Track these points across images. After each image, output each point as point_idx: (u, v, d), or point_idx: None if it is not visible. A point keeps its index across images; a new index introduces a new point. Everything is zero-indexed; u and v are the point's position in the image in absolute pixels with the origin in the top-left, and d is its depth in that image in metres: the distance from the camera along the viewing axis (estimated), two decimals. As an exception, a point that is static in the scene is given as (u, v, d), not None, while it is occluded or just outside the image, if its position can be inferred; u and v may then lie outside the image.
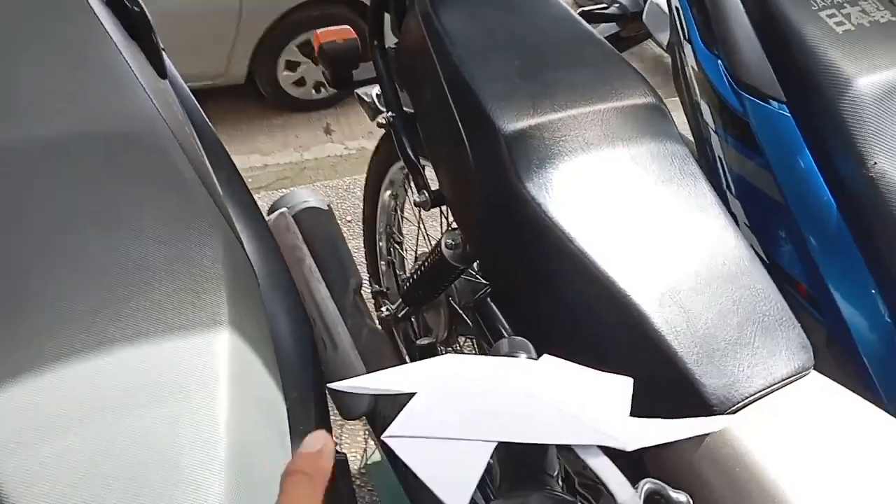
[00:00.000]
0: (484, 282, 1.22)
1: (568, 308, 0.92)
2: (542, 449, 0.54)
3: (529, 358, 0.63)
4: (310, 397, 0.74)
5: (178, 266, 0.67)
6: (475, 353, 1.41)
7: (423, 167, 1.24)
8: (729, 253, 0.92)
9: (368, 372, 0.95)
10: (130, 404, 0.57)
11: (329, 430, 0.75)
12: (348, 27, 1.32)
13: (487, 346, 1.06)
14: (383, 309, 1.50)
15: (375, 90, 1.47)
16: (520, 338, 0.65)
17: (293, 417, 0.67)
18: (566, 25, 1.20)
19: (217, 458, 0.56)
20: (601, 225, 0.91)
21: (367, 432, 1.67)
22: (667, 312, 0.84)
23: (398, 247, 1.71)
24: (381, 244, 1.72)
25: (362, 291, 1.17)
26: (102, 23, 0.90)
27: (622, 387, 0.60)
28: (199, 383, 0.60)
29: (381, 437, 0.50)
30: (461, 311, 1.33)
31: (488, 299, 1.06)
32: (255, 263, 0.78)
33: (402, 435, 0.50)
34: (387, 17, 1.34)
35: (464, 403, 0.54)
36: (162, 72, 1.00)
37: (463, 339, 1.41)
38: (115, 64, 0.85)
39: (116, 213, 0.70)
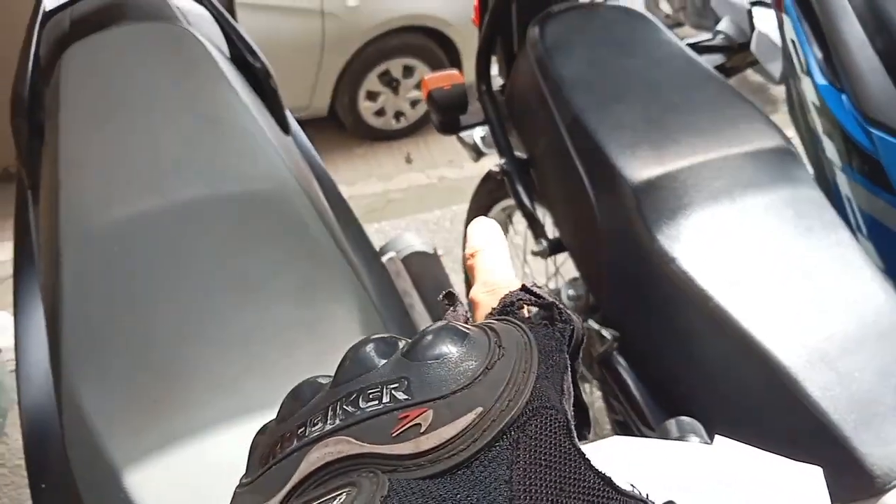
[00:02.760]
0: (599, 330, 1.19)
1: (708, 368, 0.88)
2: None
3: (703, 442, 0.60)
4: None
5: (316, 328, 0.68)
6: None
7: (537, 214, 1.22)
8: (880, 308, 0.87)
9: None
10: None
11: None
12: (456, 72, 1.31)
13: (613, 399, 1.02)
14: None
15: (478, 133, 1.46)
16: (689, 419, 0.62)
17: None
18: (683, 64, 1.17)
19: None
20: (740, 279, 0.87)
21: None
22: (818, 374, 0.80)
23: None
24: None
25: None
26: (231, 82, 0.92)
27: (812, 477, 0.56)
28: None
29: None
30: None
31: (615, 353, 1.03)
32: (382, 313, 0.78)
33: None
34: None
35: (644, 488, 0.51)
36: (285, 127, 1.02)
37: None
38: (246, 124, 0.87)
39: (255, 278, 0.71)
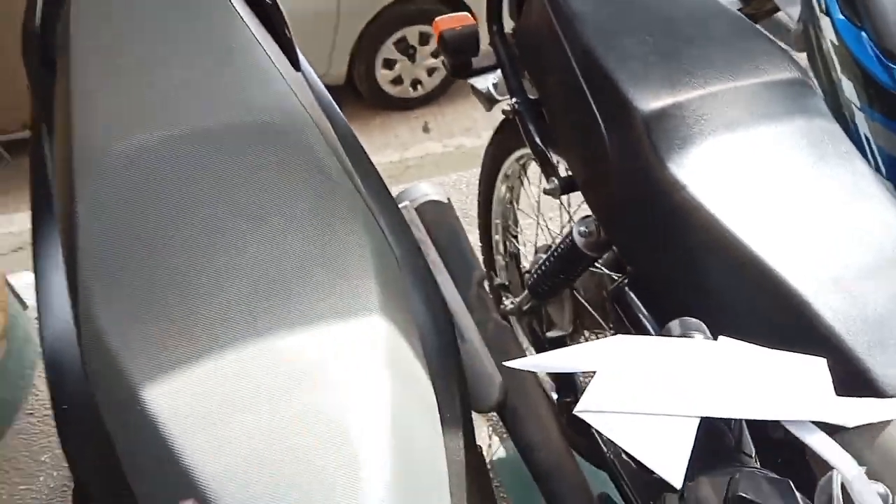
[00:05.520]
0: (609, 273, 1.18)
1: (722, 295, 0.87)
2: (738, 428, 0.51)
3: (706, 339, 0.60)
4: (453, 385, 0.74)
5: (328, 254, 0.69)
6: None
7: (550, 154, 1.21)
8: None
9: (497, 363, 0.94)
10: (299, 387, 0.60)
11: (470, 419, 0.75)
12: (467, 14, 1.30)
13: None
14: (507, 302, 1.49)
15: (490, 80, 1.45)
16: (693, 319, 0.62)
17: (440, 404, 0.68)
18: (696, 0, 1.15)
19: (381, 442, 0.57)
20: (754, 207, 0.87)
21: (490, 428, 1.65)
22: (833, 298, 0.79)
23: (514, 240, 1.69)
24: (496, 237, 1.70)
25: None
26: (243, 17, 0.92)
27: (818, 367, 0.56)
28: (359, 369, 0.62)
29: (574, 412, 0.49)
30: (587, 304, 1.29)
31: (626, 288, 1.02)
32: (395, 249, 0.78)
33: (595, 410, 0.49)
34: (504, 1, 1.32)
35: (652, 381, 0.52)
36: (296, 64, 1.02)
37: (588, 332, 1.38)
38: (257, 57, 0.87)
39: (267, 207, 0.72)
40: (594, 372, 0.55)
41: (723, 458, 0.50)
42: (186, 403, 0.58)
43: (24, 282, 2.02)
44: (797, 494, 0.44)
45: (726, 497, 0.44)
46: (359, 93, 3.46)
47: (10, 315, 1.78)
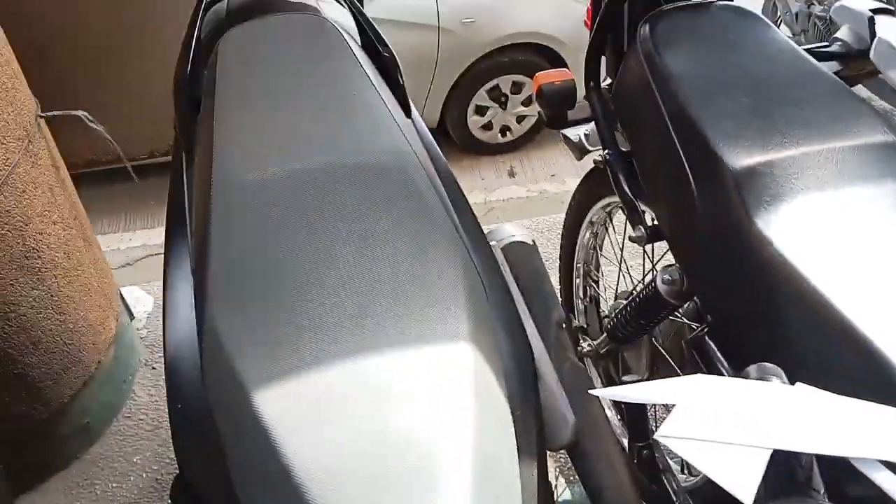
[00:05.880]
0: (688, 323, 1.20)
1: (802, 348, 0.88)
2: (809, 465, 0.54)
3: (783, 383, 0.63)
4: (530, 419, 0.77)
5: (425, 282, 0.75)
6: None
7: (638, 203, 1.25)
8: None
9: (571, 402, 0.96)
10: (391, 401, 0.64)
11: (545, 454, 0.77)
12: (566, 70, 1.37)
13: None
14: (584, 345, 1.51)
15: (582, 131, 1.51)
16: (770, 364, 0.64)
17: (517, 435, 0.70)
18: (792, 61, 1.17)
19: (462, 463, 0.60)
20: (839, 266, 0.88)
21: (557, 469, 1.67)
22: None
23: (595, 285, 1.72)
24: (577, 281, 1.73)
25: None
26: (362, 67, 1.02)
27: (892, 415, 0.58)
28: (444, 390, 0.66)
29: (654, 437, 0.53)
30: (664, 351, 1.31)
31: (706, 337, 1.04)
32: (484, 282, 0.83)
33: (674, 435, 0.52)
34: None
35: (728, 416, 0.55)
36: (407, 111, 1.10)
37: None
38: (374, 104, 0.97)
39: (374, 237, 0.79)
40: (665, 418, 0.58)
41: (792, 490, 0.53)
42: (290, 408, 0.64)
43: (133, 296, 2.18)
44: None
45: (794, 525, 0.47)
46: (450, 136, 3.57)
47: (120, 324, 1.92)
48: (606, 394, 0.63)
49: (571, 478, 1.64)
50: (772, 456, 0.51)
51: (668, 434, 0.53)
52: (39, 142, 1.61)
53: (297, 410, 0.64)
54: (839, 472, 0.52)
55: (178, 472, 0.76)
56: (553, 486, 1.66)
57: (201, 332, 0.73)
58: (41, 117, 1.65)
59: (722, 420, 0.55)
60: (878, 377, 0.79)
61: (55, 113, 1.67)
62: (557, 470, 1.66)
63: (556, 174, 3.39)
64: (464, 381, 0.67)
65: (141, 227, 2.86)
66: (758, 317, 0.95)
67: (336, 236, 0.78)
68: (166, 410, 1.93)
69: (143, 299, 2.19)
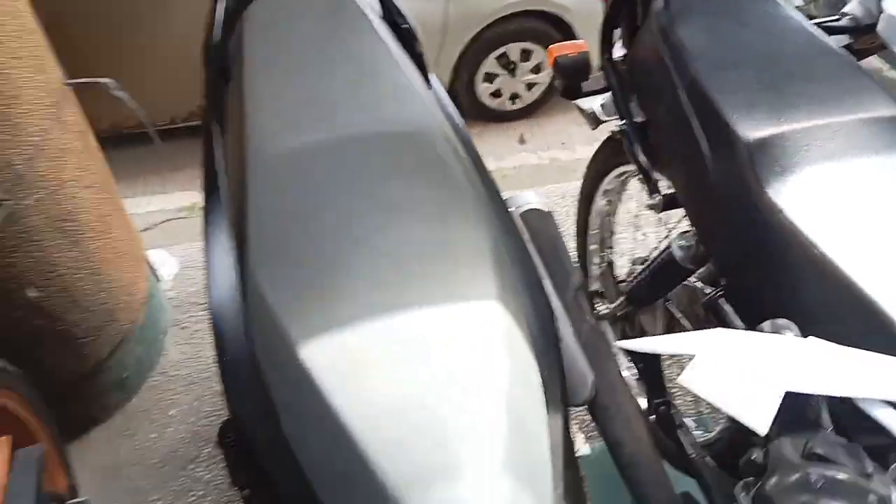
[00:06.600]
0: (702, 287, 1.26)
1: (812, 306, 0.94)
2: (818, 404, 0.60)
3: (796, 336, 0.69)
4: (554, 373, 0.81)
5: (450, 246, 0.80)
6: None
7: (653, 172, 1.31)
8: None
9: (590, 361, 1.02)
10: (429, 352, 0.69)
11: (567, 411, 0.82)
12: (582, 42, 1.41)
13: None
14: (601, 307, 1.58)
15: (597, 102, 1.55)
16: (784, 320, 0.71)
17: (544, 388, 0.75)
18: (802, 36, 1.22)
19: (498, 411, 0.65)
20: (846, 231, 0.93)
21: (576, 426, 1.74)
22: None
23: (609, 250, 1.78)
24: (592, 247, 1.80)
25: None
26: (383, 38, 1.07)
27: (890, 363, 0.64)
28: (480, 344, 0.70)
29: (677, 380, 0.60)
30: (679, 315, 1.37)
31: (720, 300, 1.11)
32: (506, 246, 0.87)
33: (696, 378, 0.60)
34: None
35: (746, 363, 0.62)
36: (428, 81, 1.16)
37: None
38: (396, 75, 1.02)
39: (403, 201, 0.84)
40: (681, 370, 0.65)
41: (803, 426, 0.60)
42: (333, 357, 0.68)
43: (158, 258, 2.25)
44: (866, 457, 0.53)
45: (803, 454, 0.54)
46: (459, 103, 3.60)
47: (149, 285, 1.99)
48: (632, 345, 0.70)
49: (590, 434, 1.71)
50: (785, 396, 0.58)
51: (690, 378, 0.61)
52: (68, 108, 1.66)
53: (340, 359, 0.68)
54: (845, 411, 0.59)
55: (224, 419, 0.81)
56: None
57: (245, 291, 0.77)
58: (67, 84, 1.69)
59: (739, 367, 0.62)
60: (880, 331, 0.84)
61: (81, 80, 1.70)
62: (576, 427, 1.73)
63: (566, 142, 3.42)
64: (495, 338, 0.70)
65: (160, 191, 2.91)
66: (770, 279, 1.01)
67: (369, 201, 0.83)
68: (198, 367, 2.01)
69: (167, 261, 2.26)
